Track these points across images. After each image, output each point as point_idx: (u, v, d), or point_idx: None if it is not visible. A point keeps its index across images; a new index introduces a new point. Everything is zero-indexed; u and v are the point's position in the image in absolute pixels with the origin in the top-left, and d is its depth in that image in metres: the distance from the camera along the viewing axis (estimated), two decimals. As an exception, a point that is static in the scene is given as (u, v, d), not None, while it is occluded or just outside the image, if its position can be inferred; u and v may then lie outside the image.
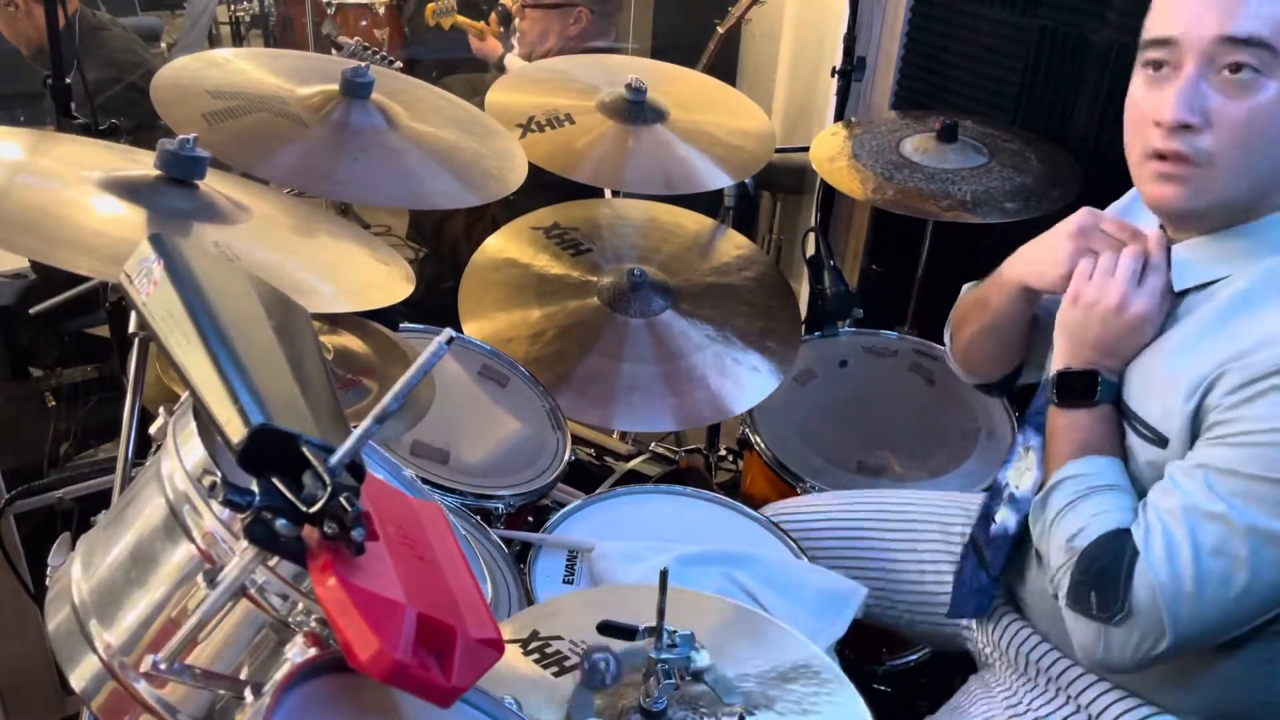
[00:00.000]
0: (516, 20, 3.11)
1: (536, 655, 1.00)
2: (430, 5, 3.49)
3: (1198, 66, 1.03)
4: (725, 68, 3.18)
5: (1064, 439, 1.17)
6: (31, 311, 1.88)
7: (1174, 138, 1.04)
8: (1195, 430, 1.07)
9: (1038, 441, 1.24)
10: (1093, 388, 1.15)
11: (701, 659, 0.96)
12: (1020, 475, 1.27)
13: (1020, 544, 1.28)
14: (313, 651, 0.71)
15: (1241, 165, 1.03)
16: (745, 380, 1.81)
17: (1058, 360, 1.19)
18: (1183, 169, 1.05)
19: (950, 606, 1.38)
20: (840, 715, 0.96)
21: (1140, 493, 1.12)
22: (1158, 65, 1.07)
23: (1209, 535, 1.01)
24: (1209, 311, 1.10)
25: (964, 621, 1.42)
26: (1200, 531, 1.02)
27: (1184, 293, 1.13)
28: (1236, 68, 1.01)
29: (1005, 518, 1.28)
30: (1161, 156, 1.07)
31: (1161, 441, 1.10)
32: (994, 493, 1.33)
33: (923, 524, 1.51)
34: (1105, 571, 1.07)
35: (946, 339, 1.51)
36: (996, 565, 1.30)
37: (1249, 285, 1.07)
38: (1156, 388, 1.11)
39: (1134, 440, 1.14)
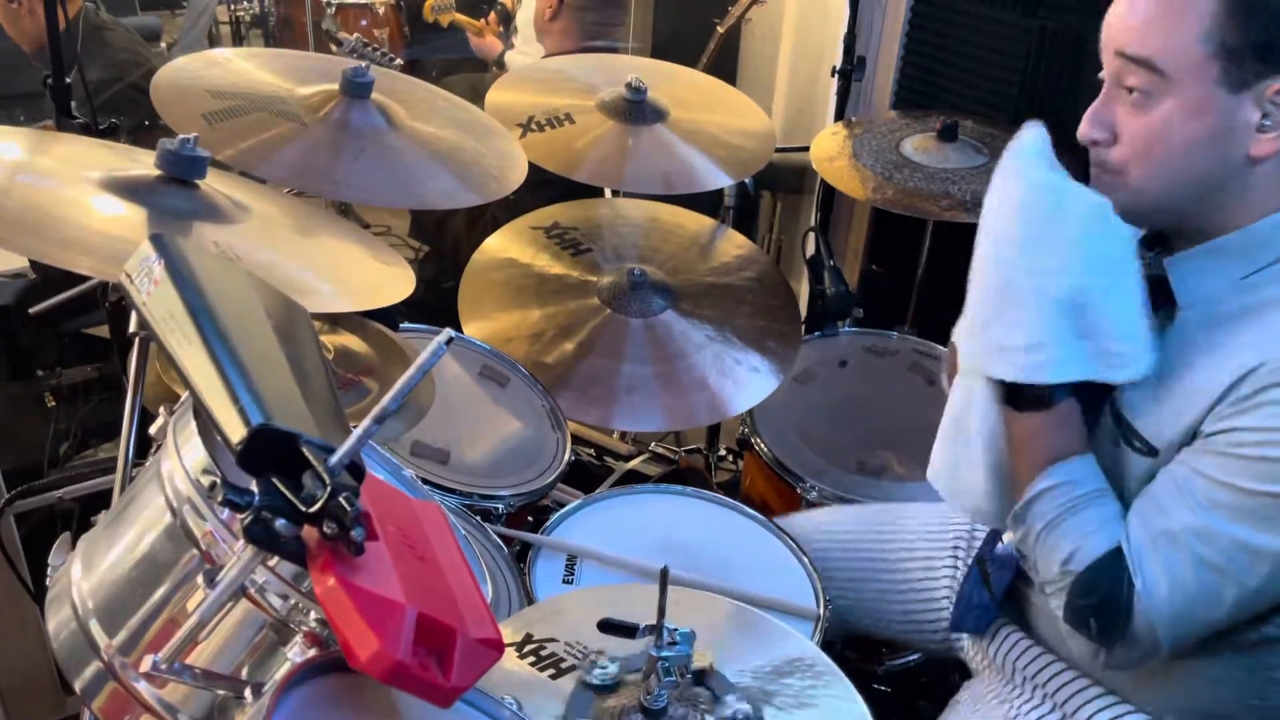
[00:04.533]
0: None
1: (532, 658, 1.00)
2: (429, 1, 3.49)
3: (1110, 84, 1.10)
4: (725, 68, 3.18)
5: (1031, 446, 1.15)
6: (31, 311, 1.88)
7: (1094, 150, 1.13)
8: (1189, 439, 1.07)
9: None
10: (1046, 396, 1.13)
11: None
12: None
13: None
14: (313, 651, 0.71)
15: (1149, 175, 1.08)
16: (745, 380, 1.81)
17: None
18: (1105, 176, 1.13)
19: (951, 621, 1.38)
20: (836, 706, 0.97)
21: (1122, 498, 1.12)
22: (1102, 81, 1.13)
23: (1198, 554, 1.03)
24: (1214, 332, 1.08)
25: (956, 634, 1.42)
26: (1190, 553, 1.03)
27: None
28: (1131, 89, 1.06)
29: (1010, 540, 1.28)
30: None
31: (1152, 452, 1.10)
32: None
33: (921, 538, 1.50)
34: (1104, 603, 1.07)
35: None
36: (1000, 585, 1.30)
37: (1255, 299, 1.07)
38: (1164, 408, 1.10)
39: (1126, 453, 1.13)
